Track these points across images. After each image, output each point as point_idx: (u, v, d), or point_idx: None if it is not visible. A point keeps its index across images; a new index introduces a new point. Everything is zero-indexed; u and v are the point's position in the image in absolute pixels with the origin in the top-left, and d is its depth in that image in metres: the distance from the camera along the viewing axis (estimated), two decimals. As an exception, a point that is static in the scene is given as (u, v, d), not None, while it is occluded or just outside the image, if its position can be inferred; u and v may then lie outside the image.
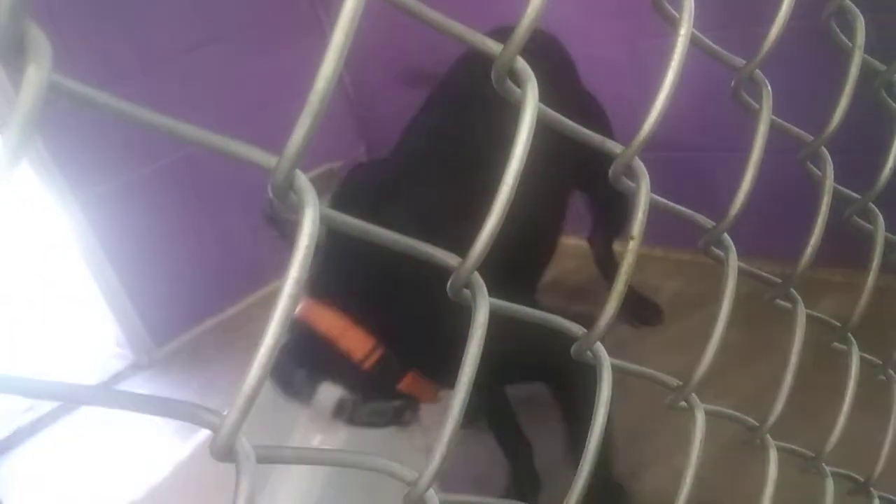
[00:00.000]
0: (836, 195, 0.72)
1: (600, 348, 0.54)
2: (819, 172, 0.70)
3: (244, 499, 0.35)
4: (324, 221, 0.38)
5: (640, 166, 0.54)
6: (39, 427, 3.18)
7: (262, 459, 0.37)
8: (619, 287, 0.52)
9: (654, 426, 1.99)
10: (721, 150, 2.52)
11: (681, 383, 0.62)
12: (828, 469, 0.78)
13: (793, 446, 0.75)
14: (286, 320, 0.34)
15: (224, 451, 0.36)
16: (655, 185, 0.57)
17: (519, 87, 0.45)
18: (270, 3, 3.65)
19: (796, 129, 0.67)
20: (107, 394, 0.32)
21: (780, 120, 0.64)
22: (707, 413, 0.67)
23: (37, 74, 0.28)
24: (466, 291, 0.45)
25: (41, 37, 0.29)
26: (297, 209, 0.36)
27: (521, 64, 0.44)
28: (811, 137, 0.69)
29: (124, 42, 3.18)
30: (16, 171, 0.28)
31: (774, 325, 0.78)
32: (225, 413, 0.35)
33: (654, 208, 0.57)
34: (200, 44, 3.42)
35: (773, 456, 0.71)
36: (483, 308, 0.44)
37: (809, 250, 0.67)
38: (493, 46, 0.44)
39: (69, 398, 0.31)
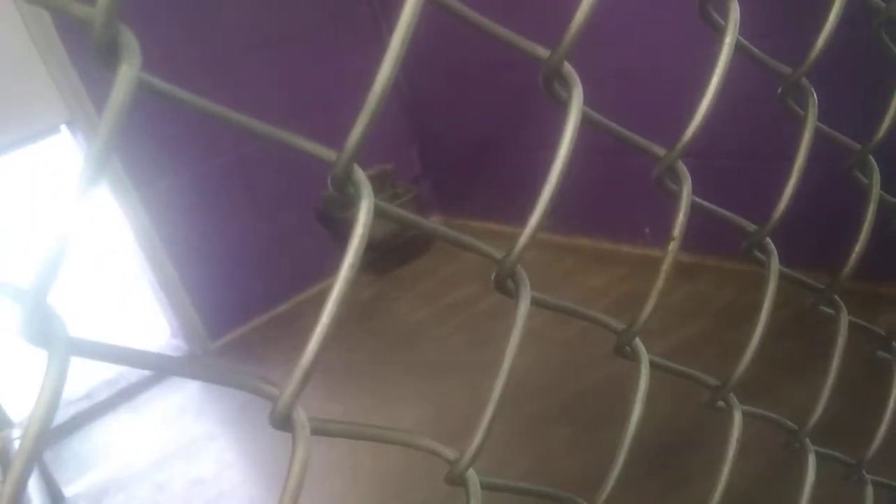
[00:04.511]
0: (883, 204, 0.72)
1: (639, 344, 0.55)
2: (866, 180, 0.70)
3: (300, 464, 0.38)
4: (377, 212, 0.40)
5: (682, 169, 0.55)
6: (96, 414, 3.30)
7: (315, 431, 0.40)
8: (659, 284, 0.54)
9: (698, 439, 1.98)
10: (761, 159, 2.49)
11: (719, 383, 0.64)
12: (868, 477, 0.78)
13: (833, 452, 0.75)
14: (344, 300, 0.37)
15: (282, 421, 0.39)
16: (698, 191, 0.58)
17: (565, 90, 0.47)
18: (332, 9, 3.73)
19: (842, 137, 0.68)
20: (182, 363, 0.35)
21: (825, 127, 0.65)
22: (746, 415, 0.68)
23: (128, 72, 0.31)
24: (510, 283, 0.47)
25: (132, 38, 0.33)
26: (354, 200, 0.39)
27: (568, 68, 0.46)
28: (858, 146, 0.69)
29: (188, 41, 3.28)
30: (110, 159, 0.31)
31: (829, 337, 0.78)
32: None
33: (698, 212, 0.59)
34: (261, 46, 3.51)
35: (812, 460, 0.71)
36: (525, 299, 0.47)
37: (854, 256, 0.68)
38: (541, 51, 0.47)
39: (150, 366, 0.34)
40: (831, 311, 0.72)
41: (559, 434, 2.34)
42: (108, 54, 0.32)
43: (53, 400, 0.30)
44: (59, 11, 0.32)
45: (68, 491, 2.77)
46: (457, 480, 0.46)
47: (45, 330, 0.31)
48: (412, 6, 0.39)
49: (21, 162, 3.30)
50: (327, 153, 0.39)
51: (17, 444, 2.22)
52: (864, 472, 0.78)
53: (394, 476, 2.32)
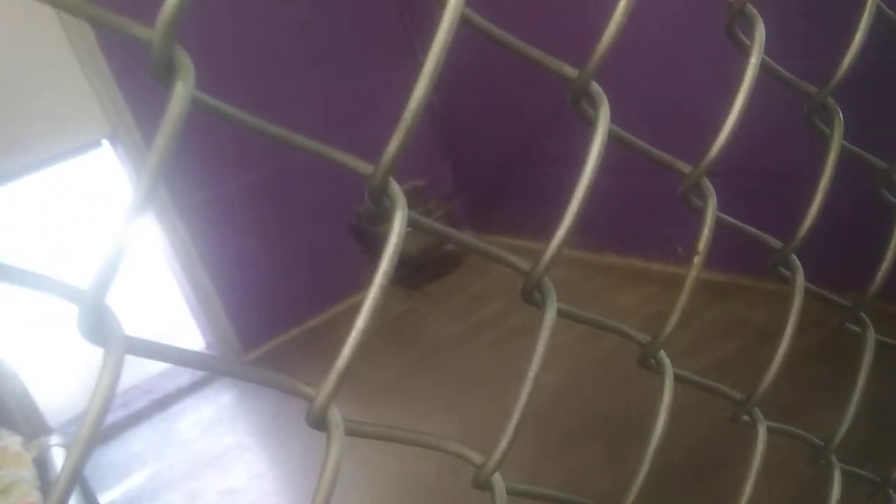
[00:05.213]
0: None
1: (664, 356, 0.57)
2: (893, 199, 0.71)
3: (334, 462, 0.40)
4: (411, 223, 0.42)
5: (707, 186, 0.57)
6: (132, 423, 3.36)
7: (349, 432, 0.42)
8: (683, 298, 0.55)
9: (729, 461, 1.97)
10: (791, 178, 2.48)
11: (744, 397, 0.64)
12: (895, 496, 0.78)
13: (858, 470, 0.75)
14: (378, 306, 0.39)
15: (317, 421, 0.41)
16: (726, 210, 0.59)
17: (592, 108, 0.49)
18: (367, 28, 3.79)
19: (868, 156, 0.69)
20: (228, 363, 0.37)
21: (851, 146, 0.65)
22: (773, 431, 0.68)
23: (183, 90, 0.34)
24: (537, 294, 0.49)
25: (186, 58, 0.35)
26: (388, 212, 0.41)
27: (595, 87, 0.48)
28: (885, 164, 0.70)
29: (228, 59, 3.35)
30: (165, 170, 0.33)
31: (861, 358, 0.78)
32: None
33: (724, 228, 0.60)
34: (296, 64, 3.57)
35: (837, 477, 0.71)
36: (551, 310, 0.48)
37: (881, 274, 0.68)
38: (569, 70, 0.49)
39: (199, 365, 0.37)
40: (858, 330, 0.72)
41: (591, 451, 2.34)
42: (165, 72, 0.35)
43: (109, 394, 0.32)
44: (121, 32, 0.34)
45: (103, 498, 2.82)
46: (483, 484, 0.48)
47: (102, 328, 0.33)
48: (448, 24, 0.41)
49: (63, 176, 3.38)
50: (364, 166, 0.41)
51: (54, 449, 2.28)
52: (890, 490, 0.78)
53: (422, 488, 2.33)
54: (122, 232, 0.32)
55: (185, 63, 0.35)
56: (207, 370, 0.38)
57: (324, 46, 3.65)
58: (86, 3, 0.35)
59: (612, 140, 0.51)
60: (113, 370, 0.33)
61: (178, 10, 0.33)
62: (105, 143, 3.29)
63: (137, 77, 3.17)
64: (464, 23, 0.42)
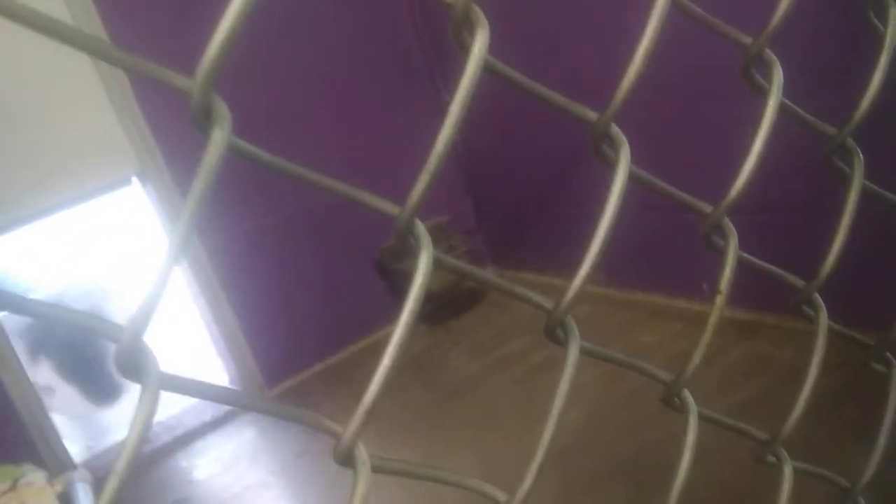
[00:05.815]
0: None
1: (687, 395, 0.57)
2: (917, 238, 0.71)
3: (361, 499, 0.40)
4: (436, 263, 0.44)
5: (728, 226, 0.57)
6: (154, 458, 3.36)
7: (375, 469, 0.43)
8: (707, 338, 0.55)
9: (754, 499, 1.93)
10: (816, 216, 2.47)
11: (769, 436, 0.64)
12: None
13: (888, 511, 0.74)
14: (403, 345, 0.40)
15: (344, 457, 0.41)
16: (751, 248, 0.60)
17: (613, 150, 0.50)
18: (389, 67, 3.85)
19: (889, 195, 0.69)
20: (257, 399, 0.38)
21: (872, 185, 0.66)
22: (798, 472, 0.68)
23: (220, 137, 0.36)
24: (560, 332, 0.50)
25: (223, 107, 0.37)
26: (414, 250, 0.43)
27: (615, 130, 0.49)
28: (906, 203, 0.70)
29: (255, 99, 3.41)
30: (202, 209, 0.35)
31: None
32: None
33: (746, 268, 0.60)
34: (322, 104, 3.63)
35: (867, 518, 0.70)
36: (574, 348, 0.49)
37: (905, 314, 0.68)
38: (590, 114, 0.50)
39: (230, 401, 0.38)
40: (884, 369, 0.72)
41: (613, 492, 2.31)
42: (203, 119, 0.37)
43: (145, 427, 0.34)
44: (161, 82, 0.36)
45: (125, 534, 2.81)
46: (507, 522, 0.48)
47: (139, 364, 0.34)
48: (472, 72, 0.43)
49: (93, 213, 3.45)
50: (391, 207, 0.43)
51: (79, 485, 2.29)
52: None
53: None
54: (161, 273, 0.33)
55: (223, 111, 0.36)
56: (240, 407, 0.39)
57: (347, 87, 3.71)
58: (125, 54, 0.36)
59: (633, 180, 0.52)
60: (149, 405, 0.34)
61: (218, 63, 0.35)
62: (134, 180, 3.35)
63: (167, 115, 3.25)
64: (488, 70, 0.44)
